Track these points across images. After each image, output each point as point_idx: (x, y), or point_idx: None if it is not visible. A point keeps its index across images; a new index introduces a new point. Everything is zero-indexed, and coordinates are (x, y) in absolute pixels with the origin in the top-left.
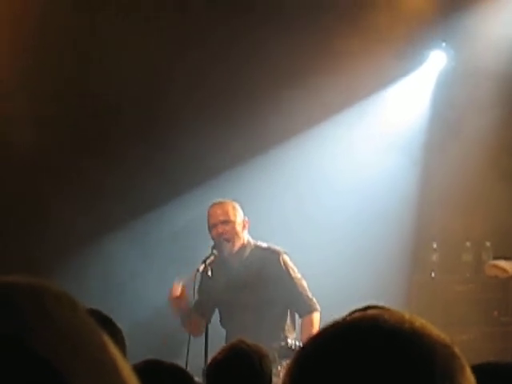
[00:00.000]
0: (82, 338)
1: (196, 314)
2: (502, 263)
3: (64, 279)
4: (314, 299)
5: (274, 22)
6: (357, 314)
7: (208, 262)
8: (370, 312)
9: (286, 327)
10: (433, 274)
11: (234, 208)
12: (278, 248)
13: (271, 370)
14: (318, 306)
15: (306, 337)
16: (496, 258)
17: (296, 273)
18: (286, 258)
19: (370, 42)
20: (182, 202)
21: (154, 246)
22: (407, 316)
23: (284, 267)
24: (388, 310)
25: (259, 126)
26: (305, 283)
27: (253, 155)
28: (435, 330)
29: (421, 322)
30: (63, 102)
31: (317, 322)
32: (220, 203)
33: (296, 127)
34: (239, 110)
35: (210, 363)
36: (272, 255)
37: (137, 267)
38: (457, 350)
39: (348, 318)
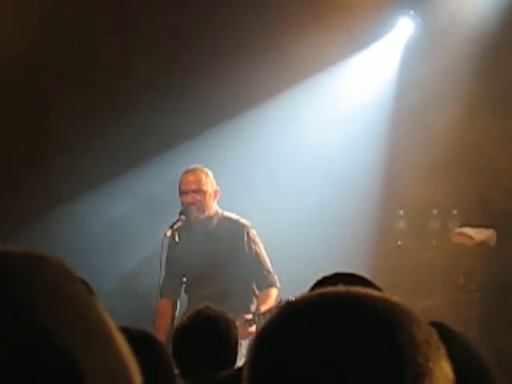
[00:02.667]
0: (80, 308)
1: (165, 295)
2: (469, 231)
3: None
4: (276, 276)
5: None
6: (321, 289)
7: (175, 227)
8: (333, 288)
9: (255, 300)
10: (399, 242)
11: (206, 176)
12: (245, 221)
13: (237, 335)
14: (277, 284)
15: (260, 309)
16: (462, 225)
17: (261, 248)
18: (254, 232)
19: (338, 8)
20: (151, 168)
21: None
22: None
23: (251, 241)
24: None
25: (231, 91)
26: (268, 259)
27: (222, 120)
28: (400, 302)
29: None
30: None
31: (273, 297)
32: (194, 170)
33: (266, 92)
34: (210, 74)
35: (177, 328)
36: (239, 228)
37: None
38: (421, 317)
39: (314, 294)
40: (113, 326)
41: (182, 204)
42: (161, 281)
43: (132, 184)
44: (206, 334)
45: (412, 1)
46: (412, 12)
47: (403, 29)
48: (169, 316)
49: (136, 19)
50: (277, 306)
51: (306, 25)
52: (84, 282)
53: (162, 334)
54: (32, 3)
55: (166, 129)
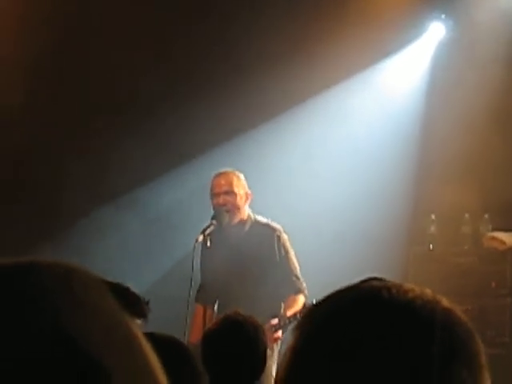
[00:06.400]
0: (110, 320)
1: (201, 302)
2: (501, 235)
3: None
4: (304, 284)
5: None
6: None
7: (207, 232)
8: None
9: (283, 306)
10: (431, 246)
11: (238, 179)
12: (277, 225)
13: (266, 341)
14: (306, 291)
15: (286, 314)
16: (494, 229)
17: (291, 253)
18: (285, 236)
19: (369, 13)
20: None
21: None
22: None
23: (282, 245)
24: (389, 281)
25: (257, 98)
26: (297, 266)
27: (249, 128)
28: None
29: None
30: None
31: (300, 303)
32: (224, 173)
33: (294, 98)
34: (236, 83)
35: (205, 333)
36: (270, 232)
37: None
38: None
39: (351, 289)
40: (141, 336)
41: (214, 208)
42: (193, 287)
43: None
44: (234, 338)
45: (444, 5)
46: (443, 16)
47: (434, 33)
48: (202, 322)
49: (155, 27)
50: (302, 311)
51: (334, 31)
52: (130, 292)
53: (195, 340)
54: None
55: (187, 138)
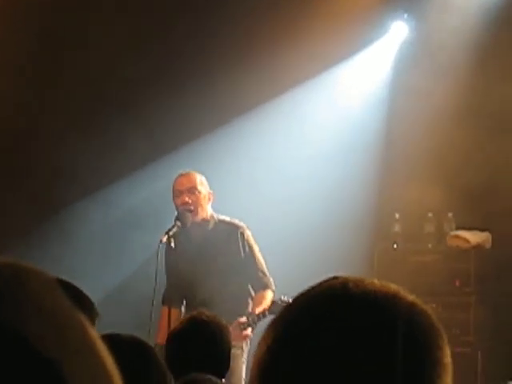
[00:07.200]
0: (64, 320)
1: (167, 303)
2: (464, 233)
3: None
4: (271, 279)
5: None
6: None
7: (171, 233)
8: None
9: (251, 303)
10: (395, 245)
11: (200, 179)
12: (240, 223)
13: (230, 341)
14: (273, 286)
15: (255, 311)
16: (458, 228)
17: (256, 250)
18: (249, 233)
19: (332, 13)
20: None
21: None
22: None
23: (246, 242)
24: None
25: (225, 95)
26: (263, 262)
27: (217, 126)
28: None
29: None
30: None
31: (268, 299)
32: (186, 173)
33: (257, 97)
34: (197, 85)
35: (170, 333)
36: (234, 229)
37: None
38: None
39: (318, 287)
40: (96, 337)
41: (177, 208)
42: (156, 287)
43: (121, 192)
44: (198, 338)
45: (406, 4)
46: (406, 15)
47: (397, 33)
48: (167, 323)
49: (130, 23)
50: (270, 307)
51: (299, 29)
52: (84, 297)
53: (161, 341)
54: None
55: (151, 140)
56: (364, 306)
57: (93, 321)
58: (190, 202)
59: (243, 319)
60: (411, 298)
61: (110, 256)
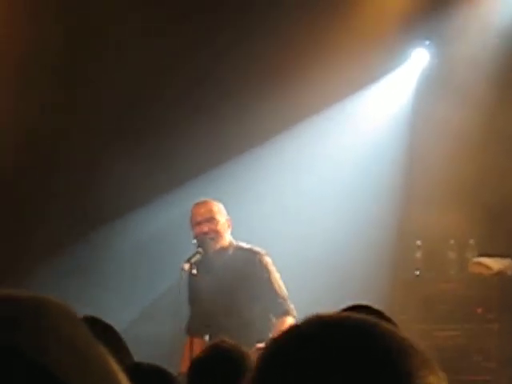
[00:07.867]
0: (83, 351)
1: (191, 332)
2: (486, 260)
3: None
4: (292, 306)
5: (267, 20)
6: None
7: (193, 260)
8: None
9: (272, 330)
10: (417, 272)
11: (217, 207)
12: (259, 249)
13: (252, 369)
14: (294, 312)
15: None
16: (480, 255)
17: (275, 275)
18: (268, 259)
19: (353, 40)
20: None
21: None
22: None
23: (264, 268)
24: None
25: (242, 128)
26: (284, 288)
27: (234, 156)
28: (396, 330)
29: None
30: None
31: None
32: (204, 202)
33: (276, 128)
34: (223, 109)
35: (192, 362)
36: (253, 256)
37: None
38: (417, 346)
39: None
40: (116, 367)
41: (196, 237)
42: (181, 317)
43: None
44: (220, 366)
45: (427, 31)
46: (428, 42)
47: (419, 59)
48: (190, 352)
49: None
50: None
51: (323, 57)
52: (113, 331)
53: (185, 370)
54: None
55: (175, 165)
56: (344, 334)
57: (122, 353)
58: (211, 231)
59: (261, 345)
60: (391, 327)
61: (129, 289)
